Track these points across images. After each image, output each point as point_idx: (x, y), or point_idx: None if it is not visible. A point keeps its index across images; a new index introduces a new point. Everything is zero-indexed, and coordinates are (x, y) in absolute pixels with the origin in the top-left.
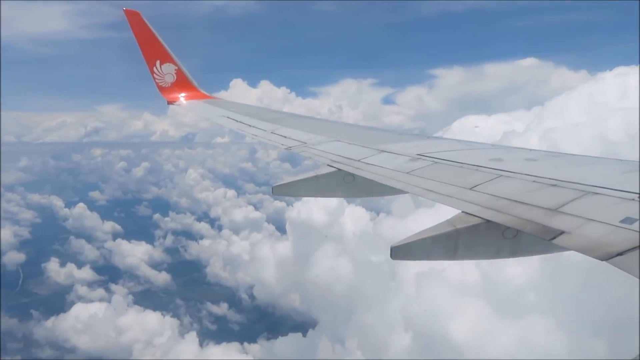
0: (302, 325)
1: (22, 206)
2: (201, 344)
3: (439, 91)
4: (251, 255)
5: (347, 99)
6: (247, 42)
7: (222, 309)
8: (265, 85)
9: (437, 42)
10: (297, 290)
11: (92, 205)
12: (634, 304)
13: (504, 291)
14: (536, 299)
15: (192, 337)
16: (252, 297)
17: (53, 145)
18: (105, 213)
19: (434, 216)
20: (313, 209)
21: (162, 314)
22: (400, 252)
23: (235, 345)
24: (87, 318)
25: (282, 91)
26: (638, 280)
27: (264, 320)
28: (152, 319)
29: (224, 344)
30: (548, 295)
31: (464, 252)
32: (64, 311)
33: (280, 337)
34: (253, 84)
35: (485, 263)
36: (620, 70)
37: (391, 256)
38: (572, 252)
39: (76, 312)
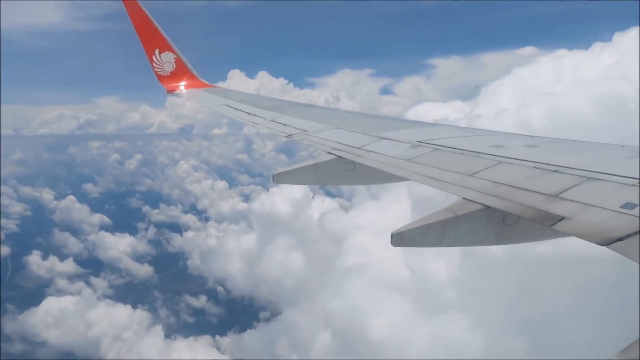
0: (276, 317)
1: (13, 199)
2: (169, 337)
3: (437, 81)
4: (229, 247)
5: (345, 90)
6: (245, 33)
7: (201, 301)
8: (263, 76)
9: (435, 32)
10: (270, 283)
11: (83, 198)
12: (557, 302)
13: (427, 287)
14: (458, 296)
15: (157, 330)
16: (227, 290)
17: (46, 138)
18: (97, 205)
19: (377, 209)
20: (278, 201)
21: (132, 308)
22: (400, 239)
23: (206, 338)
24: (57, 312)
25: (280, 82)
26: (638, 265)
27: (240, 313)
28: (122, 312)
29: (191, 338)
30: (470, 292)
31: (464, 239)
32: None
33: (249, 330)
34: (251, 74)
35: (411, 258)
36: (559, 53)
37: (391, 243)
38: (498, 248)
39: (47, 306)
